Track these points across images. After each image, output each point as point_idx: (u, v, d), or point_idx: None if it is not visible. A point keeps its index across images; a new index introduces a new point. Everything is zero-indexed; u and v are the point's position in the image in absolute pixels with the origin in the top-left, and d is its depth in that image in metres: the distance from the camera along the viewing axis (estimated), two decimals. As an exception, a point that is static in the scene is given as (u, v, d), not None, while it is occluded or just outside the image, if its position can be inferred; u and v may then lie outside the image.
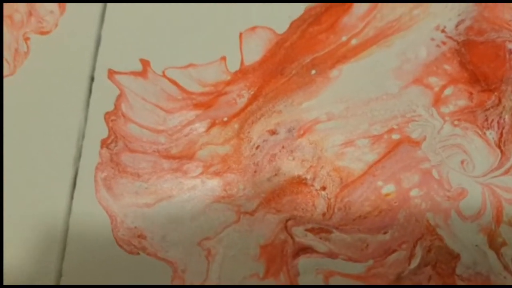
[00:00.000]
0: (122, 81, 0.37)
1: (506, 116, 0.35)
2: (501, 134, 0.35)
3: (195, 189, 0.35)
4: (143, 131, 0.36)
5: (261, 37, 0.38)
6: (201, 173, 0.35)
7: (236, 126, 0.36)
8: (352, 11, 0.39)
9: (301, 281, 0.34)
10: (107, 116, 0.36)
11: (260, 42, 0.38)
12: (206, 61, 0.37)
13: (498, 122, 0.36)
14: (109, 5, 0.39)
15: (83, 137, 0.36)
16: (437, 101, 0.36)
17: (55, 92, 0.37)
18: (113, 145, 0.35)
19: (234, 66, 0.37)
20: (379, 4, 0.39)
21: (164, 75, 0.37)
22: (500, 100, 0.36)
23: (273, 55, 0.38)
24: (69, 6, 0.39)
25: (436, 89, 0.37)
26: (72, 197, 0.35)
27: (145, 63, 0.37)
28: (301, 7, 0.40)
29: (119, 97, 0.37)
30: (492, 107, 0.36)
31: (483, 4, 0.39)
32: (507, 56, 0.37)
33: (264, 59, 0.38)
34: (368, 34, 0.39)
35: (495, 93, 0.36)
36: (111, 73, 0.37)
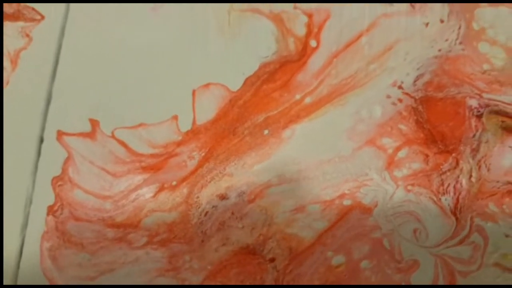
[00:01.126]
0: (70, 143, 0.34)
1: (464, 180, 0.33)
2: (457, 200, 0.32)
3: (138, 261, 0.32)
4: (89, 197, 0.33)
5: (215, 95, 0.36)
6: (146, 243, 0.32)
7: (185, 190, 0.33)
8: (306, 68, 0.37)
9: None
10: (54, 181, 0.34)
11: (213, 100, 0.35)
12: (157, 120, 0.35)
13: (454, 187, 0.33)
14: (61, 61, 0.36)
15: (30, 203, 0.34)
16: (390, 164, 0.33)
17: (5, 155, 0.35)
18: (59, 212, 0.33)
19: (185, 126, 0.35)
20: (335, 60, 0.37)
21: (113, 136, 0.35)
22: (457, 163, 0.33)
23: (226, 113, 0.35)
24: (21, 62, 0.37)
25: (390, 151, 0.34)
26: (18, 267, 0.33)
27: (94, 123, 0.35)
28: (255, 63, 0.37)
29: (67, 160, 0.34)
30: (449, 170, 0.33)
31: (444, 56, 0.36)
32: (467, 113, 0.35)
33: (216, 118, 0.35)
34: (322, 92, 0.36)
35: (453, 155, 0.34)
36: (60, 134, 0.35)
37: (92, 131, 0.35)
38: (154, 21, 0.38)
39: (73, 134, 0.35)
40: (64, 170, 0.35)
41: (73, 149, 0.35)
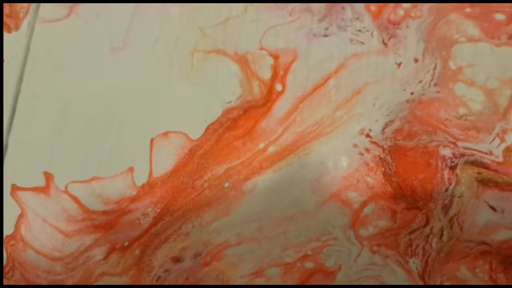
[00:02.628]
0: (24, 198, 0.31)
1: (434, 240, 0.29)
2: (426, 262, 0.28)
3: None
4: (40, 259, 0.30)
5: (174, 144, 0.32)
6: (96, 310, 0.29)
7: (137, 252, 0.30)
8: (271, 114, 0.33)
9: None
10: (7, 240, 0.31)
11: (172, 150, 0.32)
12: (112, 172, 0.31)
13: (423, 248, 0.29)
14: (18, 109, 0.33)
15: (-19, 262, 0.31)
16: (356, 221, 0.30)
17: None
18: (10, 274, 0.30)
19: (142, 178, 0.31)
20: (300, 105, 0.33)
21: (66, 191, 0.31)
22: (428, 220, 0.29)
23: (185, 164, 0.32)
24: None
25: (356, 206, 0.30)
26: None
27: (48, 177, 0.32)
28: (218, 109, 0.33)
29: (20, 218, 0.31)
30: (418, 228, 0.29)
31: (417, 100, 0.32)
32: (440, 164, 0.30)
33: (175, 170, 0.32)
34: (287, 140, 0.32)
35: (423, 211, 0.30)
36: (14, 189, 0.32)
37: (46, 186, 0.32)
38: (114, 64, 0.35)
39: (27, 189, 0.32)
40: (17, 228, 0.32)
41: (26, 205, 0.32)
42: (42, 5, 0.39)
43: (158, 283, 0.31)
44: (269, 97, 0.35)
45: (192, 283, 0.30)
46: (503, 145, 0.32)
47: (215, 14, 0.37)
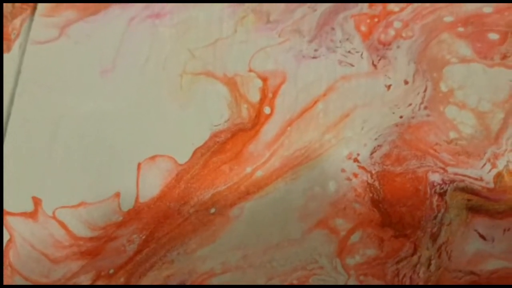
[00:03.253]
0: (13, 223, 0.31)
1: (421, 270, 0.28)
2: (413, 292, 0.27)
3: None
4: (28, 285, 0.30)
5: (161, 168, 0.32)
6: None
7: (122, 279, 0.29)
8: (259, 137, 0.32)
9: None
10: (-6, 265, 0.30)
11: (159, 174, 0.31)
12: (99, 198, 0.31)
13: (411, 278, 0.28)
14: (8, 135, 0.33)
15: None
16: (343, 249, 0.29)
17: None
18: (-3, 300, 0.30)
19: (128, 204, 0.31)
20: (289, 129, 0.32)
21: (54, 217, 0.31)
22: (415, 249, 0.28)
23: (171, 189, 0.31)
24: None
25: (343, 233, 0.29)
26: None
27: (36, 201, 0.31)
28: (206, 132, 0.32)
29: (9, 243, 0.31)
30: (405, 257, 0.28)
31: (406, 124, 0.31)
32: (429, 191, 0.29)
33: (161, 195, 0.31)
34: (274, 164, 0.31)
35: (411, 239, 0.29)
36: (3, 215, 0.31)
37: (34, 211, 0.32)
38: (103, 87, 0.35)
39: (16, 214, 0.32)
40: (5, 254, 0.31)
41: (15, 231, 0.32)
42: (34, 26, 0.39)
43: (142, 312, 0.30)
44: (257, 120, 0.34)
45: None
46: (494, 171, 0.31)
47: (204, 35, 0.37)
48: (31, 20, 0.39)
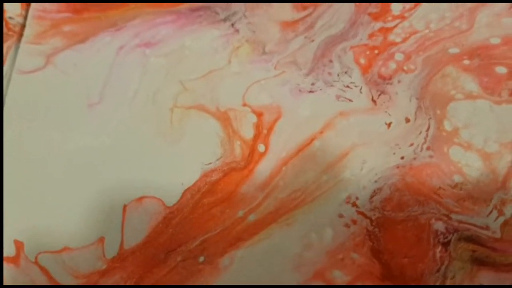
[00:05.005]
0: (-8, 268, 0.28)
1: (423, 327, 0.25)
2: None
3: None
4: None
5: (147, 211, 0.29)
6: None
7: (106, 333, 0.27)
8: (252, 177, 0.29)
9: None
10: (-27, 314, 0.28)
11: (146, 218, 0.29)
12: (83, 242, 0.28)
13: (411, 336, 0.25)
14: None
15: None
16: (340, 304, 0.26)
17: None
18: None
19: (112, 250, 0.28)
20: (284, 168, 0.29)
21: (36, 262, 0.28)
22: (417, 305, 0.26)
23: (158, 234, 0.28)
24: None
25: (340, 287, 0.26)
26: None
27: (19, 245, 0.29)
28: (197, 172, 0.30)
29: (-13, 290, 0.28)
30: (406, 314, 0.25)
31: (408, 166, 0.28)
32: (432, 240, 0.27)
33: (147, 240, 0.28)
34: (269, 207, 0.29)
35: (412, 294, 0.26)
36: (-18, 258, 0.29)
37: (16, 255, 0.29)
38: (89, 121, 0.32)
39: (-4, 258, 0.29)
40: (-17, 301, 0.29)
41: (-6, 276, 0.29)
42: (19, 55, 0.36)
43: None
44: (251, 158, 0.31)
45: None
46: (501, 219, 0.28)
47: (197, 66, 0.34)
48: (17, 47, 0.37)
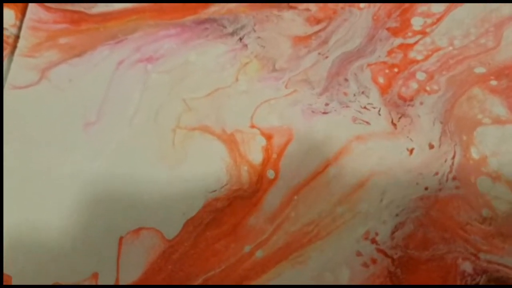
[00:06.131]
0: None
1: None
2: None
3: None
4: None
5: (145, 245, 0.26)
6: None
7: None
8: (261, 208, 0.26)
9: None
10: None
11: (143, 251, 0.26)
12: (75, 278, 0.25)
13: None
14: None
15: None
16: None
17: None
18: None
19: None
20: (295, 198, 0.26)
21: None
22: None
23: (156, 271, 0.25)
24: None
25: (358, 334, 0.23)
26: None
27: (7, 279, 0.25)
28: (200, 200, 0.26)
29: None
30: None
31: (433, 198, 0.25)
32: (458, 282, 0.23)
33: (144, 277, 0.25)
34: (278, 242, 0.25)
35: None
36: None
37: (2, 290, 0.26)
38: (85, 143, 0.29)
39: (-20, 294, 0.26)
40: None
41: (-23, 314, 0.26)
42: (12, 68, 0.33)
43: None
44: (259, 186, 0.28)
45: None
46: (536, 259, 0.24)
47: (202, 84, 0.31)
48: (10, 60, 0.33)
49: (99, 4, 0.34)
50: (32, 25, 0.34)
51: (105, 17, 0.34)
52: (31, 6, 0.35)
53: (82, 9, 0.34)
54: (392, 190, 0.27)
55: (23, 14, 0.35)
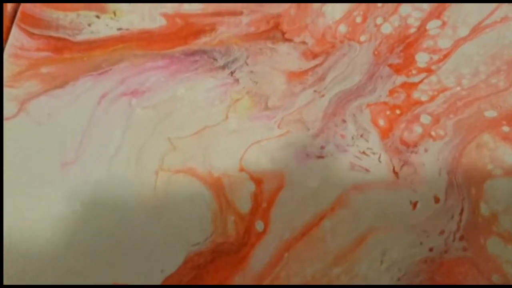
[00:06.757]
0: None
1: None
2: None
3: None
4: None
5: (120, 302, 0.23)
6: None
7: None
8: (247, 266, 0.23)
9: None
10: None
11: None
12: None
13: None
14: None
15: None
16: None
17: None
18: None
19: None
20: (286, 255, 0.23)
21: None
22: None
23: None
24: None
25: None
26: None
27: None
28: (180, 255, 0.23)
29: None
30: None
31: (437, 261, 0.22)
32: None
33: None
34: (265, 306, 0.22)
35: None
36: None
37: None
38: (62, 183, 0.26)
39: None
40: None
41: None
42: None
43: None
44: (247, 239, 0.25)
45: None
46: (554, 336, 0.21)
47: (189, 121, 0.28)
48: (-11, 90, 0.31)
49: (84, 31, 0.31)
50: (13, 52, 0.31)
51: (90, 45, 0.31)
52: (14, 31, 0.32)
53: (66, 36, 0.31)
54: (393, 250, 0.24)
55: (6, 40, 0.32)
